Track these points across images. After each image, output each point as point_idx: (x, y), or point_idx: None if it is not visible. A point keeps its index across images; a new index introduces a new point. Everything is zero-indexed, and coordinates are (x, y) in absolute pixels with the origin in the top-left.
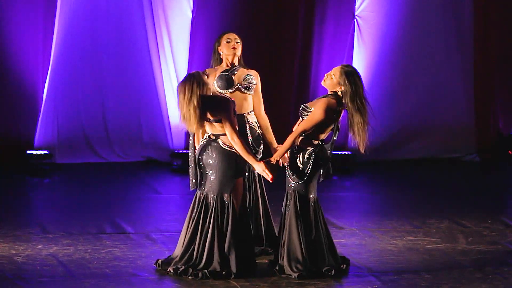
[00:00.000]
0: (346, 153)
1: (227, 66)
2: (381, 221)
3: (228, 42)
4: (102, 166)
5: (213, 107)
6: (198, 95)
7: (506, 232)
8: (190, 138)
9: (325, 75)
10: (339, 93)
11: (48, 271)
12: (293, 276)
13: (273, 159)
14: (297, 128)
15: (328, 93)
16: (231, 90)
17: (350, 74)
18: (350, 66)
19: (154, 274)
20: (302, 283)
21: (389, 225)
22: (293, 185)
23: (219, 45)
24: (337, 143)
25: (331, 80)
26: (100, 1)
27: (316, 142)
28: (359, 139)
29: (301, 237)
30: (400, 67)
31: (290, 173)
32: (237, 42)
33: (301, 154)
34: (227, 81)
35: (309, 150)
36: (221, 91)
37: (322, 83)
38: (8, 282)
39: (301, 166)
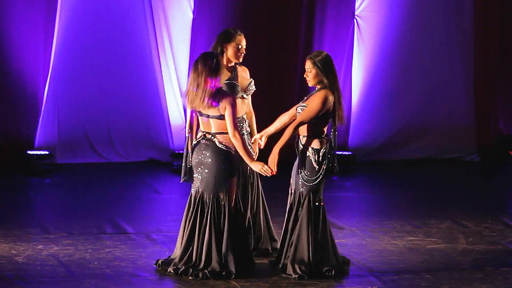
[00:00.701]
0: (346, 153)
1: (227, 63)
2: (381, 221)
3: (238, 49)
4: (102, 166)
5: (220, 98)
6: (220, 73)
7: (506, 232)
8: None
9: (304, 76)
10: (325, 82)
11: (49, 271)
12: (292, 277)
13: (272, 157)
14: (296, 120)
15: (319, 86)
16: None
17: (320, 61)
18: (317, 53)
19: (154, 275)
20: (303, 283)
21: (389, 225)
22: (307, 186)
23: (226, 43)
24: (338, 143)
25: (311, 74)
26: (100, 2)
27: (324, 138)
28: (338, 112)
29: (310, 239)
30: (400, 67)
31: (304, 174)
32: (244, 49)
33: (316, 154)
34: (234, 89)
35: (322, 150)
36: None
37: (309, 84)
38: (8, 282)
39: (317, 166)
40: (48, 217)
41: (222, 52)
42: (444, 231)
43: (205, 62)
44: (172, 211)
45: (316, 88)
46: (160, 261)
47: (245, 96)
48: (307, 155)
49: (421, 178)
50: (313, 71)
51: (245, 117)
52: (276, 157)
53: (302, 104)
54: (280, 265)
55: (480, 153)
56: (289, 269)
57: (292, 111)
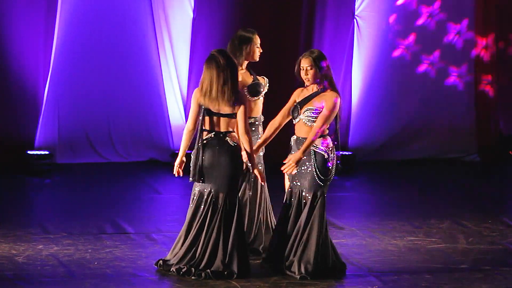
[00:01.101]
0: (346, 153)
1: (242, 63)
2: (381, 221)
3: (258, 48)
4: (102, 166)
5: (237, 97)
6: (238, 70)
7: (506, 232)
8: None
9: (302, 76)
10: (323, 80)
11: (49, 271)
12: (295, 275)
13: (295, 158)
14: (316, 125)
15: (320, 87)
16: (255, 98)
17: (317, 57)
18: (311, 51)
19: (154, 275)
20: (303, 284)
21: (389, 225)
22: (321, 185)
23: (247, 45)
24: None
25: (311, 72)
26: (100, 2)
27: (329, 137)
28: (339, 111)
29: (319, 239)
30: (400, 67)
31: (319, 174)
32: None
33: (329, 153)
34: (260, 89)
35: (332, 149)
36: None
37: (307, 82)
38: (9, 282)
39: (330, 165)
40: (48, 217)
41: (246, 52)
42: (444, 231)
43: (227, 59)
44: (172, 211)
45: (315, 88)
46: (161, 261)
47: (263, 95)
48: (321, 155)
49: (421, 178)
50: (314, 69)
51: (259, 117)
52: (297, 160)
53: (309, 107)
54: (288, 262)
55: (480, 153)
56: (295, 267)
57: (281, 116)
